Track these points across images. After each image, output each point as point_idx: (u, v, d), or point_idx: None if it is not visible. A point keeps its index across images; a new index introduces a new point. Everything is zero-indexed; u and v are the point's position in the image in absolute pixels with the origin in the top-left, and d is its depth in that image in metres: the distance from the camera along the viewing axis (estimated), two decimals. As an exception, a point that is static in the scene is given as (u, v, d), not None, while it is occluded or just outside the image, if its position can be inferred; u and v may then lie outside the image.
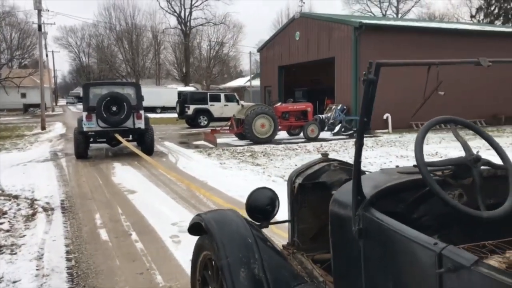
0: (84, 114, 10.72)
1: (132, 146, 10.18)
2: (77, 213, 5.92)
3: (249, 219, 2.54)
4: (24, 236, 4.92)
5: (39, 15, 22.40)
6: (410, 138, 14.87)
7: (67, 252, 4.38)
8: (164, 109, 37.93)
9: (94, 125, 10.65)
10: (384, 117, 17.12)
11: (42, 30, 24.06)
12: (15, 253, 4.32)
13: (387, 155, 11.07)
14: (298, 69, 22.66)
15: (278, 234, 4.15)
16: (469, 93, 18.17)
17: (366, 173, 2.34)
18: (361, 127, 1.67)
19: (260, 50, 24.51)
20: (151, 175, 8.69)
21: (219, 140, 13.93)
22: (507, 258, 1.32)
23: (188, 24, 55.45)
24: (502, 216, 1.53)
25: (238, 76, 70.11)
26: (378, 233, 1.56)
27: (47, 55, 47.43)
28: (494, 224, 1.63)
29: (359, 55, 16.67)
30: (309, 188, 2.68)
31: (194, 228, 2.54)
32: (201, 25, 55.78)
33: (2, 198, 6.80)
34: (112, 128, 10.68)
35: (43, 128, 20.99)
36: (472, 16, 46.48)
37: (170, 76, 65.94)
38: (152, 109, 36.78)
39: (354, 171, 1.68)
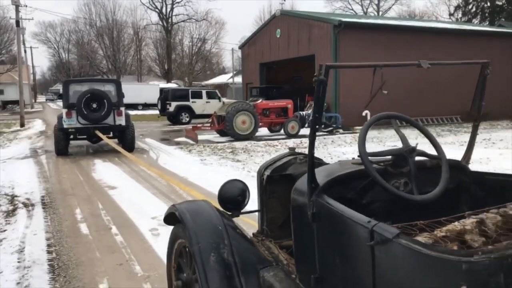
0: (64, 111, 10.72)
1: (112, 142, 10.24)
2: (58, 208, 6.01)
3: (221, 209, 2.72)
4: (4, 231, 5.01)
5: (17, 11, 22.12)
6: (389, 134, 15.21)
7: (48, 246, 4.49)
8: (146, 106, 37.75)
9: (74, 122, 10.66)
10: (363, 113, 17.44)
11: (20, 25, 23.73)
12: (-4, 247, 4.42)
13: (364, 150, 11.37)
14: (279, 66, 22.88)
15: (250, 223, 4.35)
16: (446, 91, 18.66)
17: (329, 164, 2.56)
18: (313, 122, 1.86)
19: (242, 47, 24.66)
20: (132, 171, 8.79)
21: (200, 137, 14.06)
22: (434, 235, 1.53)
23: (169, 20, 55.18)
24: (432, 199, 1.75)
25: (221, 72, 70.08)
26: (327, 216, 1.76)
27: (25, 51, 46.68)
28: (433, 207, 1.85)
29: (338, 52, 16.97)
30: (277, 179, 2.86)
31: (169, 218, 2.71)
32: (183, 21, 55.65)
33: (-18, 195, 6.83)
34: (92, 125, 10.72)
35: (22, 125, 20.75)
36: (450, 14, 47.45)
37: (152, 73, 65.51)
38: (134, 106, 36.52)
39: (308, 161, 1.88)
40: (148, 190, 7.07)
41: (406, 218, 1.95)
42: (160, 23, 55.81)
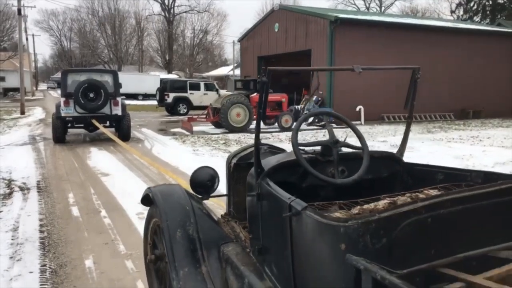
0: (62, 99, 11.04)
1: (108, 131, 10.56)
2: (52, 192, 6.35)
3: (192, 192, 3.06)
4: (0, 212, 5.35)
5: (19, -1, 22.35)
6: (380, 129, 15.53)
7: (41, 226, 4.83)
8: (146, 96, 37.92)
9: (71, 110, 10.98)
10: (357, 109, 17.76)
11: (22, 13, 23.98)
12: (-7, 226, 4.76)
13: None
14: (277, 60, 23.11)
15: (221, 206, 4.67)
16: (440, 89, 18.92)
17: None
18: (258, 117, 2.18)
19: (241, 40, 24.89)
20: (125, 160, 9.12)
21: (197, 128, 14.38)
22: (349, 212, 1.86)
23: (171, 11, 55.26)
24: (351, 183, 2.08)
25: (222, 64, 70.15)
26: (267, 196, 2.08)
27: (27, 39, 46.78)
28: (368, 192, 2.17)
29: (334, 48, 17.22)
30: (243, 167, 3.18)
31: (145, 200, 3.05)
32: (185, 12, 55.72)
33: (-20, 178, 7.17)
34: (89, 114, 11.04)
35: (22, 112, 21.09)
36: (452, 12, 47.49)
37: (154, 63, 65.72)
38: (134, 96, 36.76)
39: (254, 150, 2.21)
40: (139, 178, 7.39)
41: (339, 199, 2.28)
42: (162, 13, 55.90)
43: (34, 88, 49.32)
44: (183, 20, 57.39)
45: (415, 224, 1.46)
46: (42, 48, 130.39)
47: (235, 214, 3.23)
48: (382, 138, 13.07)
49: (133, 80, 37.27)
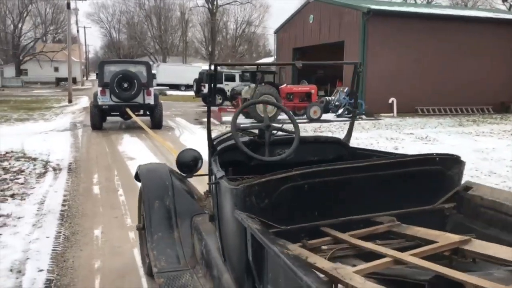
0: (99, 89, 11.86)
1: (139, 119, 11.26)
2: (80, 173, 7.05)
3: (178, 171, 3.51)
4: (33, 188, 6.05)
5: (68, -7, 23.69)
6: (410, 122, 15.41)
7: (64, 201, 5.47)
8: (188, 87, 38.86)
9: (107, 99, 11.78)
10: (390, 101, 17.63)
11: (74, 6, 25.41)
12: (24, 200, 5.45)
13: (378, 137, 11.74)
14: (314, 51, 23.22)
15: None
16: (479, 81, 18.41)
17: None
18: (208, 105, 2.58)
19: (277, 31, 25.13)
20: (153, 146, 9.76)
21: (226, 119, 14.89)
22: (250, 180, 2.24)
23: (215, 2, 56.06)
24: (279, 161, 2.44)
25: (266, 55, 70.41)
26: (212, 171, 2.49)
27: (77, 31, 49.20)
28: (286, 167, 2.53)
29: (367, 39, 17.16)
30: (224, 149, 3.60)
31: (137, 176, 3.54)
32: (228, 3, 56.33)
33: (23, 159, 8.00)
34: (123, 103, 11.79)
35: (69, 101, 22.50)
36: (504, 0, 45.24)
37: (199, 55, 67.05)
38: (176, 87, 37.86)
39: (207, 133, 2.61)
40: (161, 162, 7.95)
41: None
42: (206, 5, 56.81)
43: (84, 78, 51.84)
44: (226, 12, 58.16)
45: (293, 189, 1.82)
46: (94, 39, 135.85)
47: (214, 191, 3.66)
48: (409, 131, 13.03)
49: (175, 71, 38.37)
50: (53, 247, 3.98)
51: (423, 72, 17.71)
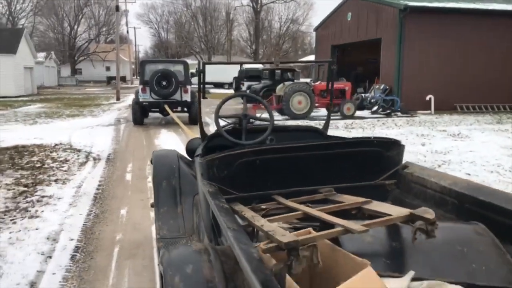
0: (140, 87, 12.70)
1: (174, 115, 11.96)
2: (116, 162, 7.78)
3: (187, 156, 4.03)
4: (74, 174, 6.82)
5: (118, -3, 25.04)
6: (446, 119, 15.21)
7: (98, 185, 6.17)
8: (231, 85, 39.69)
9: (148, 96, 12.59)
10: (427, 98, 17.42)
11: (124, 8, 26.84)
12: (65, 184, 6.19)
13: (409, 133, 11.79)
14: (353, 48, 23.23)
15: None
16: (498, 78, 17.72)
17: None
18: (199, 99, 3.06)
19: (317, 29, 25.31)
20: (187, 140, 10.39)
21: (265, 115, 15.36)
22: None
23: (259, 1, 56.73)
24: (255, 143, 2.88)
25: (312, 52, 70.21)
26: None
27: (127, 32, 51.40)
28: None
29: (403, 36, 17.06)
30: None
31: (151, 161, 4.09)
32: (272, 2, 56.81)
33: (69, 150, 8.88)
34: (162, 100, 12.56)
35: (117, 98, 23.87)
36: None
37: (244, 53, 68.04)
38: (220, 85, 38.78)
39: (199, 123, 3.10)
40: (190, 155, 8.57)
41: None
42: (250, 4, 57.61)
43: (134, 77, 54.11)
44: (271, 11, 58.67)
45: (247, 163, 2.27)
46: (143, 39, 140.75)
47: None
48: (443, 128, 12.94)
49: (219, 70, 39.24)
50: (84, 222, 4.63)
51: (463, 69, 17.34)
